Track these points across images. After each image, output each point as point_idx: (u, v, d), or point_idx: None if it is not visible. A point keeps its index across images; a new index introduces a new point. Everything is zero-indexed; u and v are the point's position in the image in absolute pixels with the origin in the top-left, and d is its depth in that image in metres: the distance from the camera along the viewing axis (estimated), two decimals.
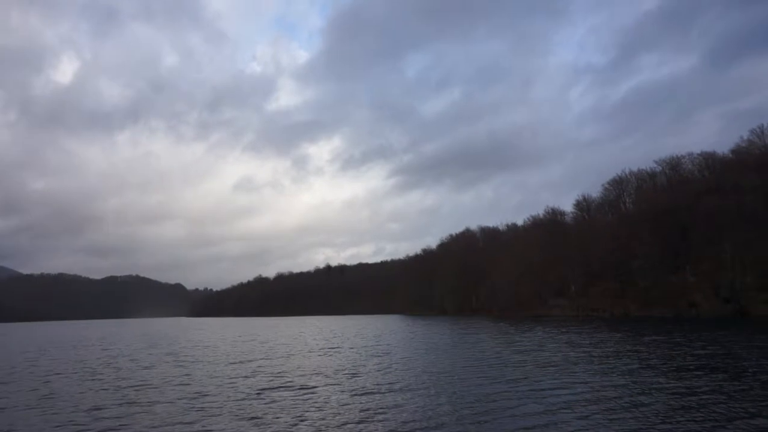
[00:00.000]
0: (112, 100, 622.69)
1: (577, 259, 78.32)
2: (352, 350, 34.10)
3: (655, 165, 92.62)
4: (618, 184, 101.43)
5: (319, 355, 31.11)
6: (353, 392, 17.04)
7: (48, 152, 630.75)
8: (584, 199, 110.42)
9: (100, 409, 15.31)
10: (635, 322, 55.83)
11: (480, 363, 23.69)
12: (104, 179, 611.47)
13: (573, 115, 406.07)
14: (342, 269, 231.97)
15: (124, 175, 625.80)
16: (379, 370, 22.26)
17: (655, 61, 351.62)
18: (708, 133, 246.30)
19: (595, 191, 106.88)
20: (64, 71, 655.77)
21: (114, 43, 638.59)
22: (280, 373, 22.59)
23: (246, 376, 21.62)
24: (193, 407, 15.21)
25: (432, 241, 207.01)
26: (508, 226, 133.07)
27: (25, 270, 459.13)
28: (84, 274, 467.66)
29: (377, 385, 18.33)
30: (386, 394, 16.39)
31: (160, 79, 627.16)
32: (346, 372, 22.18)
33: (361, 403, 15.17)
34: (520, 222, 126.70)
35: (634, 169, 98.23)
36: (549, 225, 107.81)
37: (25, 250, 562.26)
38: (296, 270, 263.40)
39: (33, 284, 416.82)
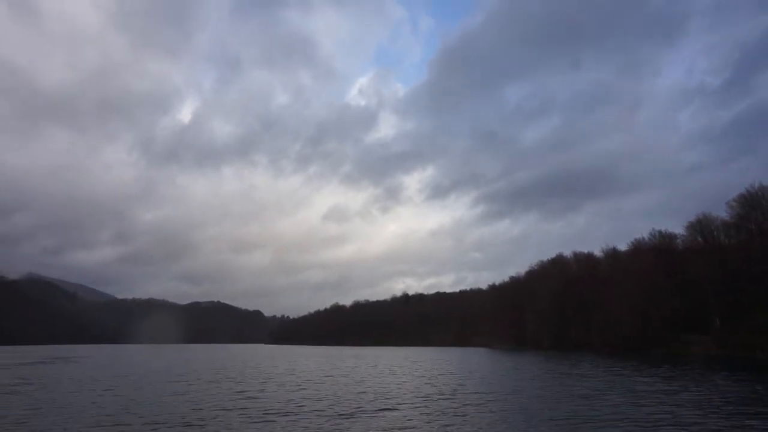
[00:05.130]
0: (223, 137, 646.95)
1: (715, 288, 66.64)
2: (481, 402, 27.40)
3: None
4: (747, 201, 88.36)
5: (446, 408, 24.72)
6: None
7: (161, 187, 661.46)
8: (698, 221, 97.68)
9: None
10: None
11: None
12: (206, 210, 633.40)
13: (677, 140, 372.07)
14: (420, 298, 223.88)
15: (226, 206, 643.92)
16: None
17: None
18: None
19: (701, 215, 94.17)
20: (186, 112, 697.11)
21: (233, 87, 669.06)
22: None
23: None
24: None
25: (515, 271, 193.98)
26: (605, 251, 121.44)
27: (121, 295, 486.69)
28: (172, 299, 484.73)
29: None
30: None
31: (270, 116, 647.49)
32: None
33: None
34: (620, 248, 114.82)
35: (765, 183, 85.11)
36: (659, 249, 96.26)
37: (125, 276, 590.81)
38: (374, 299, 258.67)
39: (125, 309, 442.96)
